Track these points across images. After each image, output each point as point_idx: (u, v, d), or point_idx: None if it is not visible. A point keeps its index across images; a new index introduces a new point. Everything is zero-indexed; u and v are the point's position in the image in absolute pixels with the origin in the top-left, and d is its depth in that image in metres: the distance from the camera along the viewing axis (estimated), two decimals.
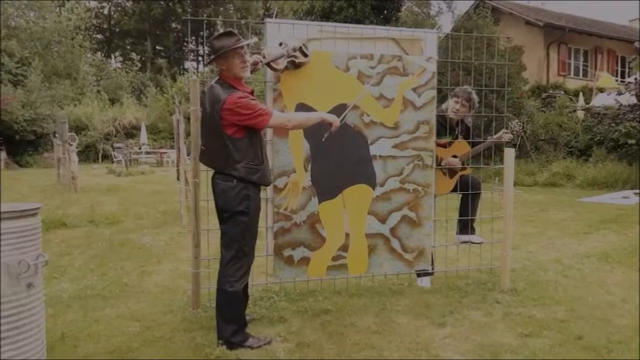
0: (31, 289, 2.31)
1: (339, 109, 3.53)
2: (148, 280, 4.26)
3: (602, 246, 5.64)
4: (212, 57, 2.81)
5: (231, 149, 2.74)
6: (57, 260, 4.88)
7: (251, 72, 3.07)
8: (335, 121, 3.01)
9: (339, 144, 3.56)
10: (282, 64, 3.25)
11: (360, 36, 3.64)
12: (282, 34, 3.42)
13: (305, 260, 3.57)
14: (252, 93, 2.85)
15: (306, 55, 3.36)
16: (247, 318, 3.19)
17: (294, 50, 3.30)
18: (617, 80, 20.86)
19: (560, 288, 4.03)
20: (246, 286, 2.99)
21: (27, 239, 2.32)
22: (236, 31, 2.75)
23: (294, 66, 3.36)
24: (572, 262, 4.88)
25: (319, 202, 3.56)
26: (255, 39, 3.03)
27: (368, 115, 3.62)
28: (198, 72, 39.37)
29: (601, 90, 16.55)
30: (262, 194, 3.39)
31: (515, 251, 5.00)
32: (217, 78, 2.87)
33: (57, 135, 14.13)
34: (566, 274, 4.49)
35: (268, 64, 3.20)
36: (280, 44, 3.31)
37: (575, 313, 3.48)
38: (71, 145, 11.75)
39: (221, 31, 2.86)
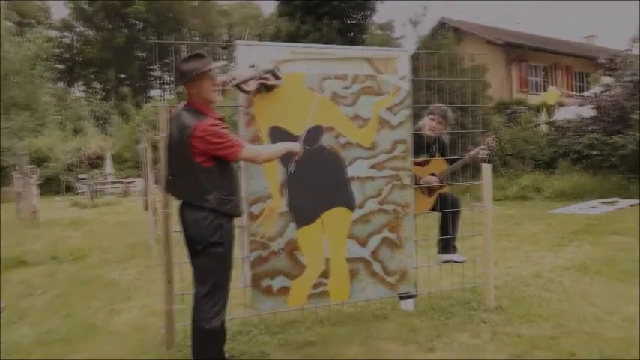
0: None
1: (314, 131, 3.44)
2: (117, 319, 4.00)
3: (579, 257, 5.66)
4: (182, 81, 2.66)
5: (201, 179, 2.58)
6: (16, 302, 4.57)
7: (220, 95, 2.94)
8: (299, 150, 2.93)
9: (316, 167, 3.44)
10: (252, 85, 3.13)
11: (334, 56, 3.57)
12: (253, 56, 3.31)
13: (284, 289, 3.40)
14: (222, 119, 2.71)
15: (278, 78, 3.26)
16: (226, 355, 3.00)
17: (266, 72, 3.19)
18: (575, 95, 21.60)
19: (545, 303, 3.98)
20: (223, 321, 2.79)
21: None
22: (205, 54, 2.63)
23: (266, 89, 3.25)
24: (552, 275, 4.86)
25: (297, 228, 3.42)
26: (224, 62, 2.90)
27: (344, 137, 3.52)
28: (164, 99, 38.91)
29: (545, 105, 17.07)
30: (237, 222, 3.24)
31: (495, 267, 4.94)
32: (184, 104, 2.72)
33: (17, 168, 13.58)
34: (548, 287, 4.45)
35: (238, 86, 3.07)
36: (252, 66, 3.20)
37: (563, 328, 3.42)
38: (32, 178, 11.29)
39: (187, 55, 2.71)
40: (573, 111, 13.77)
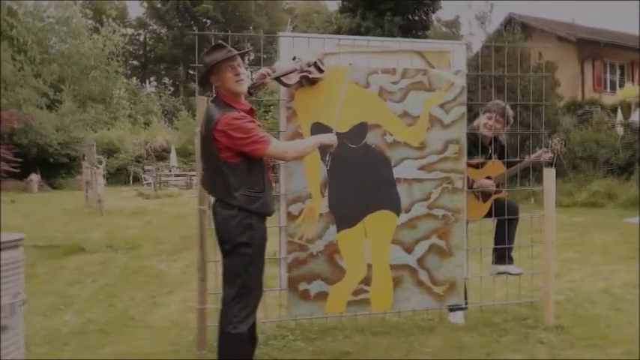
0: (6, 333, 2.05)
1: (359, 128, 3.24)
2: (156, 313, 3.99)
3: None
4: (203, 73, 2.53)
5: (228, 175, 2.44)
6: (65, 289, 4.69)
7: (257, 88, 2.80)
8: (333, 141, 2.69)
9: (360, 166, 3.24)
10: (293, 79, 2.97)
11: (381, 49, 3.35)
12: (296, 48, 3.15)
13: (322, 295, 3.23)
14: (251, 111, 2.56)
15: (321, 71, 3.08)
16: None
17: (309, 65, 3.02)
18: None
19: (613, 325, 3.57)
20: (254, 326, 2.65)
21: (4, 275, 2.07)
22: (226, 44, 2.49)
23: (309, 82, 3.08)
24: (623, 293, 4.39)
25: (338, 231, 3.23)
26: (250, 49, 2.75)
27: (391, 135, 3.29)
28: None
29: (622, 104, 15.88)
30: (275, 221, 3.10)
31: (557, 280, 4.53)
32: (214, 96, 2.60)
33: (85, 158, 14.26)
34: (618, 307, 4.01)
35: (278, 79, 2.92)
36: (294, 58, 3.04)
37: (633, 355, 3.03)
38: (98, 167, 11.78)
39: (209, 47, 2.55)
40: None
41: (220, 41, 2.52)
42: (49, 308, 4.09)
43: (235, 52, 2.50)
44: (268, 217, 2.62)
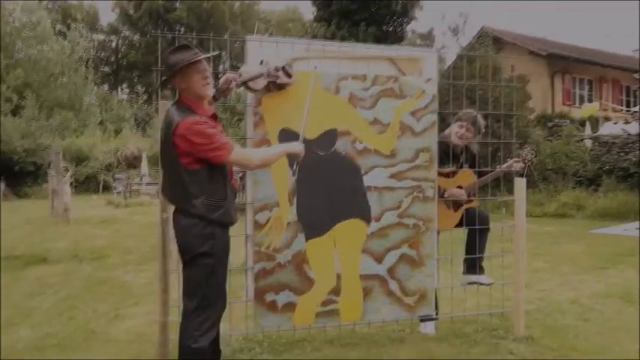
0: None
1: (328, 135, 3.18)
2: (118, 326, 3.83)
3: (622, 283, 5.17)
4: (168, 75, 2.42)
5: (187, 182, 2.34)
6: (23, 302, 4.47)
7: (222, 93, 2.71)
8: (300, 151, 2.63)
9: (329, 174, 3.18)
10: (260, 84, 2.89)
11: (352, 55, 3.30)
12: (264, 52, 3.08)
13: (290, 306, 3.13)
14: (214, 117, 2.47)
15: (289, 76, 3.01)
16: None
17: (277, 70, 2.95)
18: (622, 109, 20.61)
19: (582, 335, 3.57)
20: (217, 339, 2.54)
21: None
22: (192, 45, 2.40)
23: (277, 87, 3.01)
24: (591, 303, 4.42)
25: (306, 240, 3.15)
26: (216, 52, 2.66)
27: (361, 142, 3.24)
28: None
29: (588, 119, 16.32)
30: (240, 230, 3.00)
31: (527, 290, 4.52)
32: (175, 100, 2.49)
33: (51, 165, 13.85)
34: (587, 317, 4.03)
35: (245, 84, 2.84)
36: (261, 62, 2.97)
37: None
38: (64, 175, 11.44)
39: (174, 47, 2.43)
40: (619, 127, 13.04)
41: (186, 42, 2.42)
42: (4, 322, 3.88)
43: (203, 54, 2.41)
44: (233, 226, 2.52)
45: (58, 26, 29.83)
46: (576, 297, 4.64)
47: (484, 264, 3.89)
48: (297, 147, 2.63)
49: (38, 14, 25.66)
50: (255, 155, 2.53)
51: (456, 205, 3.77)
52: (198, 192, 2.34)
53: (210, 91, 2.47)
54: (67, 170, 11.71)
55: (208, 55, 2.44)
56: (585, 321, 3.92)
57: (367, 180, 3.25)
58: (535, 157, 3.84)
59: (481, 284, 3.78)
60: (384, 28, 16.70)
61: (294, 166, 2.70)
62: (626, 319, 3.97)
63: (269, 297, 3.10)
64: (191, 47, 2.40)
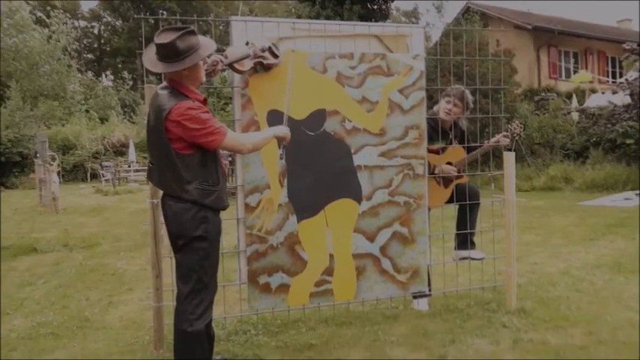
0: None
1: (317, 115, 3.15)
2: (112, 313, 3.82)
3: (612, 253, 5.25)
4: (180, 59, 2.27)
5: (180, 167, 2.30)
6: (15, 292, 4.44)
7: (209, 75, 2.66)
8: (286, 134, 2.61)
9: (319, 154, 3.15)
10: (247, 65, 2.84)
11: (339, 33, 3.26)
12: (249, 32, 3.02)
13: (284, 287, 3.14)
14: (204, 101, 2.42)
15: (276, 56, 2.96)
16: (218, 358, 2.77)
17: (263, 50, 2.90)
18: (608, 81, 20.70)
19: (574, 305, 3.62)
20: (210, 323, 2.54)
21: None
22: (195, 30, 2.33)
23: (263, 68, 2.96)
24: (582, 274, 4.48)
25: (298, 221, 3.14)
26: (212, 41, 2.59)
27: (350, 121, 3.21)
28: None
29: (579, 84, 16.40)
30: (232, 214, 2.98)
31: (519, 263, 4.58)
32: (164, 84, 2.43)
33: (38, 155, 13.68)
34: (578, 287, 4.09)
35: (231, 65, 2.79)
36: (247, 43, 2.91)
37: (594, 336, 3.07)
38: (51, 165, 11.30)
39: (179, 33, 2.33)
40: (606, 98, 13.09)
41: (190, 27, 2.32)
42: None
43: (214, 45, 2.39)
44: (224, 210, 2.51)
45: (38, 14, 29.14)
46: (567, 268, 4.70)
47: (475, 239, 3.92)
48: (282, 130, 2.61)
49: (15, 3, 25.01)
50: (247, 139, 2.50)
51: (447, 181, 3.77)
52: (192, 177, 2.31)
53: (204, 76, 2.43)
54: (53, 159, 11.53)
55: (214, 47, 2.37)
56: (577, 292, 3.97)
57: (357, 159, 3.23)
58: (523, 130, 3.84)
59: (473, 259, 3.81)
60: (368, 6, 16.53)
61: (282, 150, 2.67)
62: (617, 288, 4.04)
63: (262, 279, 3.10)
64: (195, 33, 2.32)
